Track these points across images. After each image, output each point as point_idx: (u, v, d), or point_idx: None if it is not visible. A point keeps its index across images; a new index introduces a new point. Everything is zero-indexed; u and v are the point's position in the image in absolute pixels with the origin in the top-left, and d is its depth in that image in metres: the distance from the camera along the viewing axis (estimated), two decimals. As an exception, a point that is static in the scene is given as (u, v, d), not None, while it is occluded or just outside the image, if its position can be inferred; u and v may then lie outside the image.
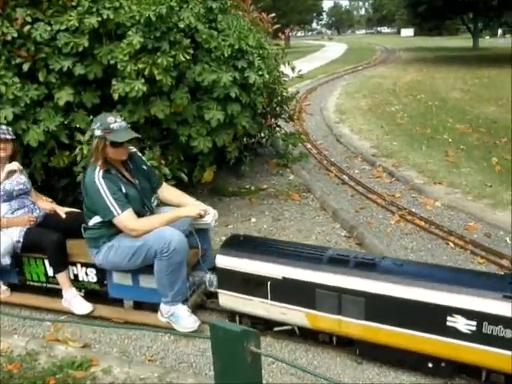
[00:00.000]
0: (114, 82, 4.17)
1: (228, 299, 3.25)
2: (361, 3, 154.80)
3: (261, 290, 3.07)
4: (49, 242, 3.53)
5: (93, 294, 3.63)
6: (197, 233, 3.45)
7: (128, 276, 3.47)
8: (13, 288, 3.83)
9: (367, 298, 2.79)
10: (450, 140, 8.30)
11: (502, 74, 18.26)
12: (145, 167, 3.56)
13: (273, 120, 6.57)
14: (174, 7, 4.07)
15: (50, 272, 3.67)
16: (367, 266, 2.90)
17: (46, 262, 3.66)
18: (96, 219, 3.33)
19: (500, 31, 57.75)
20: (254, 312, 3.17)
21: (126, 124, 3.34)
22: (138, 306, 3.55)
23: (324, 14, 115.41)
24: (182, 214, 3.39)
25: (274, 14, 6.20)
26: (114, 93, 4.14)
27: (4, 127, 3.70)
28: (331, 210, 5.29)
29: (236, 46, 4.28)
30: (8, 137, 3.67)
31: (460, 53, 31.97)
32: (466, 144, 7.96)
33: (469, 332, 2.58)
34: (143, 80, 4.09)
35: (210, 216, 3.43)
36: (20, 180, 3.77)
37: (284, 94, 6.60)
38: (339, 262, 2.94)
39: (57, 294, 3.67)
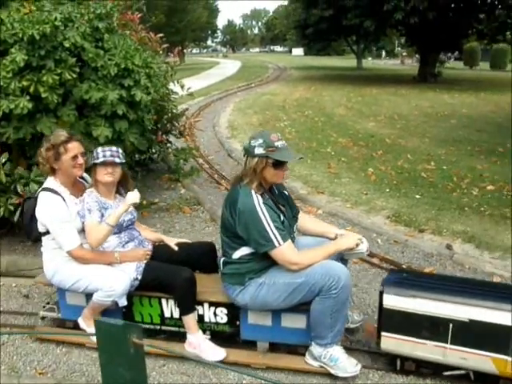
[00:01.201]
0: (-4, 99, 4.13)
1: (393, 342, 2.91)
2: (254, 22, 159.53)
3: (439, 332, 2.77)
4: (181, 280, 3.06)
5: (218, 336, 3.25)
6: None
7: (267, 315, 3.09)
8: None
9: None
10: (332, 153, 8.96)
11: (382, 92, 19.84)
12: (286, 192, 3.21)
13: (164, 136, 6.73)
14: (58, 26, 4.14)
15: (168, 313, 3.26)
16: None
17: (164, 302, 3.24)
18: (243, 251, 2.93)
19: (384, 53, 62.23)
20: (424, 356, 2.86)
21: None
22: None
23: (219, 31, 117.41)
24: (342, 246, 2.98)
25: (161, 34, 6.39)
26: (-2, 109, 4.11)
27: (114, 149, 3.23)
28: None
29: (122, 65, 4.42)
30: (117, 160, 3.16)
31: (345, 72, 34.07)
32: (346, 156, 8.64)
33: None
34: (28, 97, 4.10)
35: (365, 244, 3.06)
36: (129, 209, 3.31)
37: (174, 110, 6.80)
38: None
39: (170, 335, 3.31)
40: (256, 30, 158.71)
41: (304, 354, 3.09)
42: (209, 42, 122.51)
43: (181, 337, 3.24)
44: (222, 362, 3.08)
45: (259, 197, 2.85)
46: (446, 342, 2.77)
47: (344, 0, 23.67)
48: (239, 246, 2.93)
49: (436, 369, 2.91)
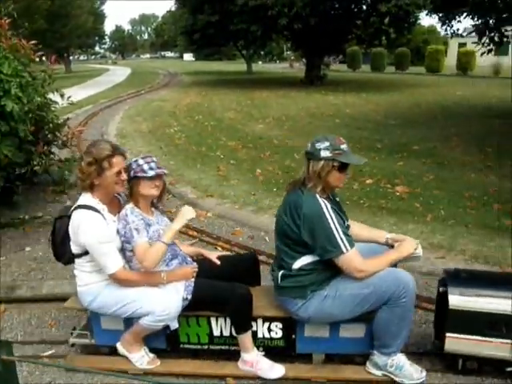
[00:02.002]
0: None
1: (457, 343, 2.89)
2: (143, 28, 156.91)
3: (505, 329, 2.80)
4: (237, 298, 2.90)
5: (271, 352, 3.12)
6: None
7: (325, 327, 3.01)
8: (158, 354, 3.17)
9: None
10: (221, 156, 9.10)
11: (272, 95, 20.40)
12: (338, 199, 3.07)
13: (45, 147, 6.46)
14: None
15: (217, 331, 3.10)
16: None
17: (213, 320, 3.08)
18: (304, 260, 2.81)
19: (275, 57, 63.94)
20: (489, 354, 2.87)
21: None
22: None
23: (106, 37, 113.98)
24: (404, 253, 2.90)
25: (34, 41, 6.11)
26: None
27: (154, 158, 3.03)
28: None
29: (-11, 75, 4.22)
30: (165, 171, 3.02)
31: (236, 76, 34.63)
32: (235, 159, 8.82)
33: None
34: None
35: (419, 247, 2.99)
36: (168, 224, 3.08)
37: (55, 120, 6.54)
38: None
39: (219, 356, 3.17)
40: (146, 36, 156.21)
41: (360, 363, 3.07)
42: (97, 49, 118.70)
43: (230, 355, 3.14)
44: (280, 378, 2.99)
45: (325, 201, 2.77)
46: None
47: (229, 6, 24.04)
48: (300, 254, 2.82)
49: (498, 366, 2.94)
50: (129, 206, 2.96)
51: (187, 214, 2.94)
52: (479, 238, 5.10)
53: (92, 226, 2.83)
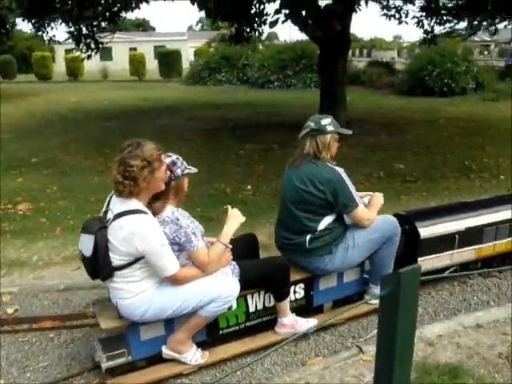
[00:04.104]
0: None
1: (424, 264, 3.65)
2: None
3: (449, 244, 3.78)
4: (279, 269, 3.18)
5: (293, 312, 3.37)
6: None
7: (334, 277, 3.48)
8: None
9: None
10: None
11: None
12: None
13: None
14: None
15: (252, 307, 3.25)
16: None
17: (249, 298, 3.22)
18: (327, 220, 3.30)
19: None
20: (439, 265, 3.82)
21: None
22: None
23: None
24: (379, 204, 3.53)
25: None
26: None
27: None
28: None
29: None
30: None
31: None
32: None
33: None
34: None
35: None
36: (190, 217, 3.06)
37: None
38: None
39: (253, 331, 3.30)
40: None
41: (357, 300, 3.66)
42: None
43: (262, 327, 3.33)
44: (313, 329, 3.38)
45: (339, 167, 3.32)
46: (454, 249, 3.83)
47: None
48: (322, 216, 3.29)
49: (439, 272, 3.91)
50: (173, 208, 2.90)
51: (239, 217, 3.09)
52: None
53: (152, 229, 2.73)
